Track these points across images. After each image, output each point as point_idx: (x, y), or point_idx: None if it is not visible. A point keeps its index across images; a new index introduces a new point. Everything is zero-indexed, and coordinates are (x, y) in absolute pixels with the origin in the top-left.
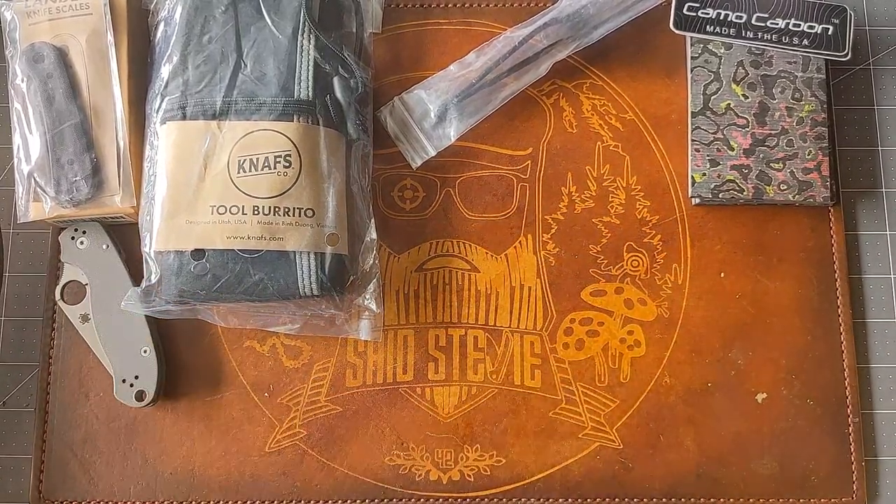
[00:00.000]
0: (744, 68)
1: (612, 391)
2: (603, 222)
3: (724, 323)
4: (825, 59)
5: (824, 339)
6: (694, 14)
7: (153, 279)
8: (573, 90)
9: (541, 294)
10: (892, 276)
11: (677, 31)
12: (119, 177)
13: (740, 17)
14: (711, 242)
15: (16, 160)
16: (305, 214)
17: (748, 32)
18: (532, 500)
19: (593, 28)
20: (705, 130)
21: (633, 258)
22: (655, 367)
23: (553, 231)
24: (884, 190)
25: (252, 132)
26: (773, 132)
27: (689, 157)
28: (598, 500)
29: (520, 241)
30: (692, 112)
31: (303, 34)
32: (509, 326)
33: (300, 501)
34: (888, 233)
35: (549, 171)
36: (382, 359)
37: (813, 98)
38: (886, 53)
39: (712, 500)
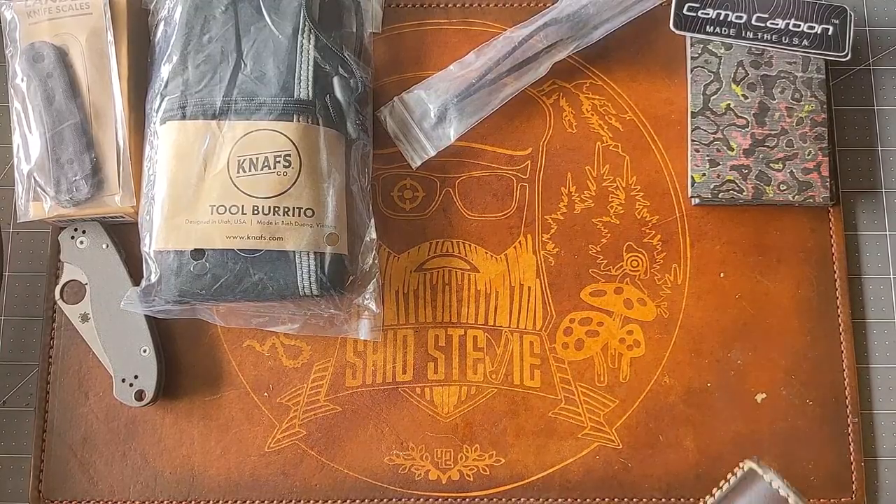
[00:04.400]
0: (744, 68)
1: (612, 391)
2: (602, 222)
3: (723, 323)
4: (825, 60)
5: (824, 340)
6: (694, 14)
7: (153, 279)
8: (573, 90)
9: (540, 294)
10: (891, 276)
11: (677, 32)
12: (119, 176)
13: (740, 18)
14: (711, 243)
15: (16, 160)
16: (305, 214)
17: (748, 33)
18: (531, 499)
19: (593, 28)
20: (705, 130)
21: (633, 258)
22: (655, 367)
23: (553, 231)
24: (883, 190)
25: (252, 132)
26: (772, 132)
27: (689, 158)
28: (597, 499)
29: (519, 241)
30: (692, 112)
31: (303, 34)
32: (509, 326)
33: (300, 501)
34: (888, 233)
35: (548, 171)
36: (382, 359)
37: (813, 98)
38: (886, 54)
39: None
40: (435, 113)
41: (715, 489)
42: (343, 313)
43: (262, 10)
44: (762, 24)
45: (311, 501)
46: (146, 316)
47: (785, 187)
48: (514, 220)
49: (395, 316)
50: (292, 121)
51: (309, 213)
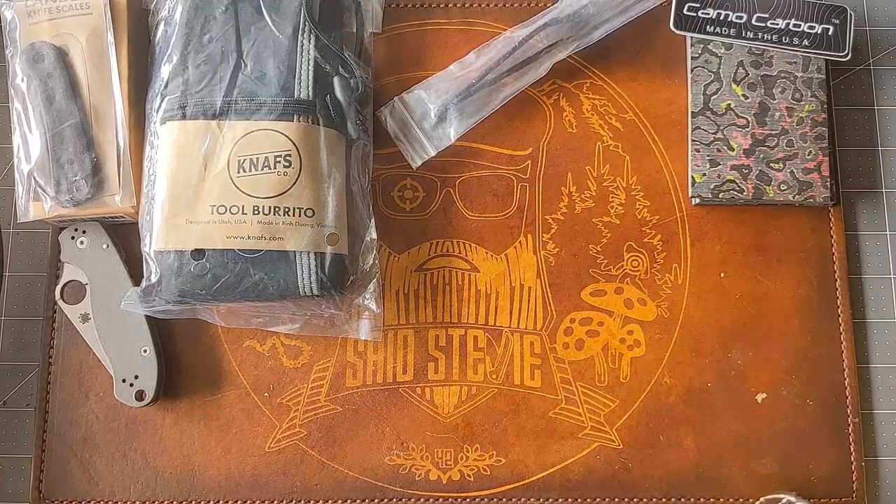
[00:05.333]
0: (744, 68)
1: (612, 391)
2: (603, 222)
3: (724, 323)
4: (825, 60)
5: (824, 339)
6: (694, 14)
7: (153, 279)
8: (573, 90)
9: (541, 294)
10: (892, 276)
11: (677, 32)
12: (119, 176)
13: (740, 18)
14: (711, 243)
15: (16, 160)
16: (305, 214)
17: (748, 32)
18: (532, 499)
19: (593, 28)
20: (705, 130)
21: (633, 258)
22: (655, 367)
23: (553, 231)
24: (884, 190)
25: (252, 132)
26: (773, 132)
27: (689, 157)
28: (597, 499)
29: (520, 241)
30: (692, 112)
31: (303, 34)
32: (509, 326)
33: (300, 501)
34: (888, 233)
35: (549, 171)
36: (382, 359)
37: (813, 98)
38: (886, 53)
39: (712, 499)
40: (435, 113)
41: None
42: (343, 313)
43: (262, 10)
44: (762, 24)
45: (312, 501)
46: (146, 316)
47: (785, 187)
48: (515, 220)
49: (395, 316)
50: (292, 121)
51: (309, 213)
